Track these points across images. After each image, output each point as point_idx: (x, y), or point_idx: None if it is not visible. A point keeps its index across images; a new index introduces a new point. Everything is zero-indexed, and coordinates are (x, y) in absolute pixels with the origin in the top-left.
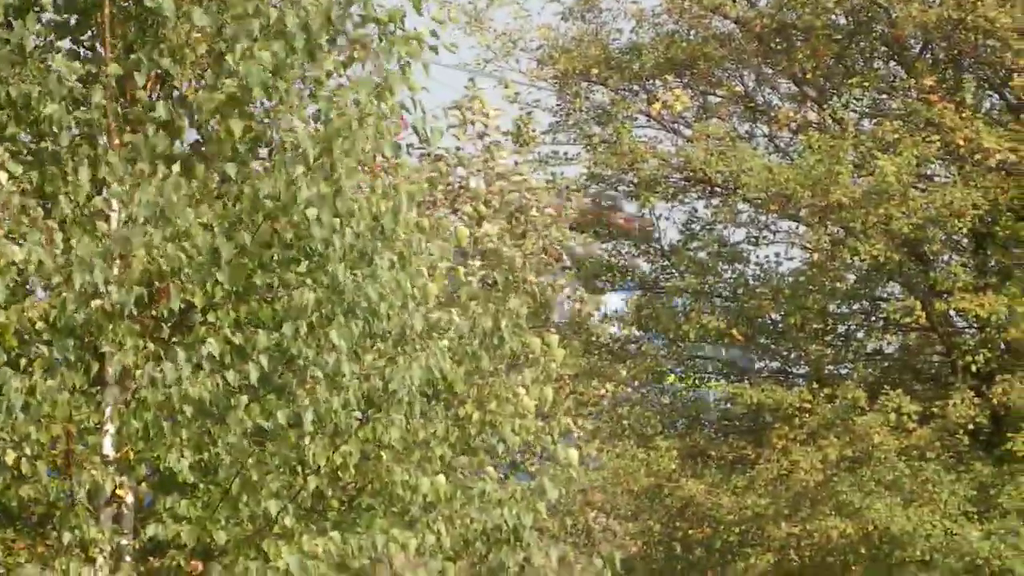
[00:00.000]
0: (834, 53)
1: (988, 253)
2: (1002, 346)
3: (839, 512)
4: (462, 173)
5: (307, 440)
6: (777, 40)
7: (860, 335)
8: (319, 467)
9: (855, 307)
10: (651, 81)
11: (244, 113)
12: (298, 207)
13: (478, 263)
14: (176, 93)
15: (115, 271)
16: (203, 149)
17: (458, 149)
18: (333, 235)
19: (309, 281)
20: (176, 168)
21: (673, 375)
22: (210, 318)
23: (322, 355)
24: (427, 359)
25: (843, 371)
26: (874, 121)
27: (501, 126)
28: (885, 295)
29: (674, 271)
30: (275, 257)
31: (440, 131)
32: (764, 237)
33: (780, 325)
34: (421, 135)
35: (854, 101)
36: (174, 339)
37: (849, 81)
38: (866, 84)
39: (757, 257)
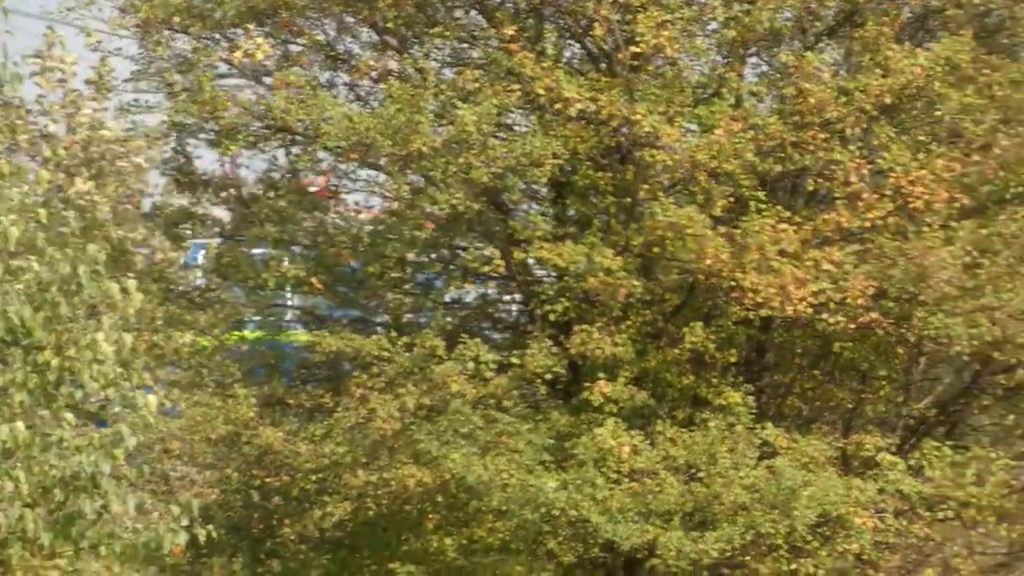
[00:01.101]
0: (415, 2)
1: (567, 202)
2: (580, 295)
3: (416, 461)
4: (44, 121)
5: None
6: None
7: (439, 284)
8: None
9: (434, 256)
10: (232, 30)
11: None
12: None
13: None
14: None
15: None
16: None
17: (41, 97)
18: None
19: None
20: None
21: (252, 324)
22: None
23: None
24: (4, 304)
25: (422, 320)
26: (455, 71)
27: (82, 74)
28: (465, 244)
29: (254, 220)
30: None
31: (19, 77)
32: (344, 185)
33: (359, 274)
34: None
35: (435, 50)
36: None
37: (430, 31)
38: (447, 34)
39: (337, 205)
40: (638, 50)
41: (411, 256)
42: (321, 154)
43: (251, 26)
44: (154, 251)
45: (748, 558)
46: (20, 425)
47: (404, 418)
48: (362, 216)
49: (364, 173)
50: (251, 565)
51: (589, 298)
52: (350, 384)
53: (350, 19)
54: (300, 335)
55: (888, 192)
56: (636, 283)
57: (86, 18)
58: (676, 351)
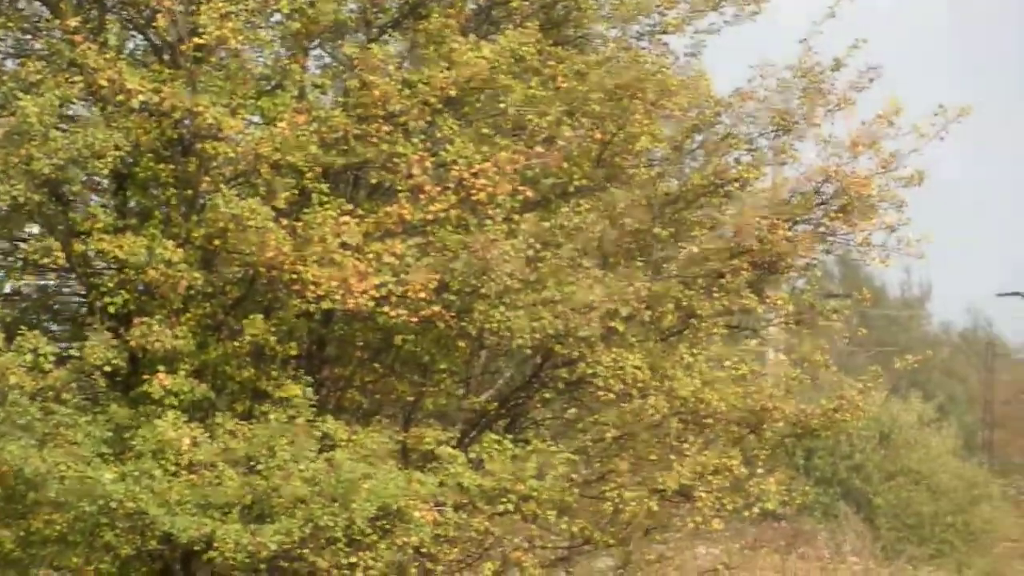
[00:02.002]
0: None
1: (128, 194)
2: (140, 287)
3: None
4: None
5: None
6: None
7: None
8: None
9: None
10: None
11: None
12: None
13: None
14: None
15: None
16: None
17: None
18: None
19: None
20: None
21: None
22: None
23: None
24: None
25: None
26: (18, 61)
27: None
28: (25, 235)
29: None
30: None
31: None
32: None
33: None
34: None
35: None
36: None
37: None
38: (10, 24)
39: None
40: (201, 42)
41: None
42: None
43: None
44: None
45: (307, 551)
46: None
47: None
48: None
49: None
50: None
51: (149, 290)
52: None
53: None
54: None
55: (451, 185)
56: (197, 275)
57: None
58: (236, 344)
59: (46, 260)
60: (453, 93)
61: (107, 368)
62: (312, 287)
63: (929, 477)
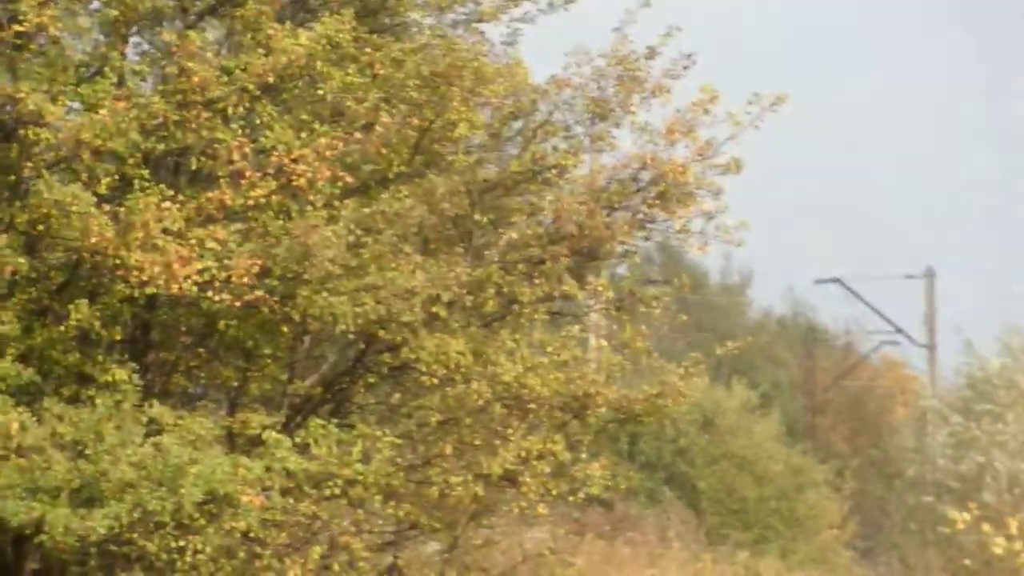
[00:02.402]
0: None
1: None
2: None
3: None
4: None
5: None
6: None
7: None
8: None
9: None
10: None
11: None
12: None
13: None
14: None
15: None
16: None
17: None
18: None
19: None
20: None
21: None
22: None
23: None
24: None
25: None
26: None
27: None
28: None
29: None
30: None
31: None
32: None
33: None
34: None
35: None
36: None
37: None
38: None
39: None
40: (21, 28)
41: None
42: None
43: None
44: None
45: (136, 535)
46: None
47: None
48: None
49: None
50: None
51: None
52: None
53: None
54: None
55: (271, 171)
56: (21, 260)
57: None
58: (62, 329)
59: None
60: (271, 80)
61: None
62: (136, 272)
63: (753, 463)
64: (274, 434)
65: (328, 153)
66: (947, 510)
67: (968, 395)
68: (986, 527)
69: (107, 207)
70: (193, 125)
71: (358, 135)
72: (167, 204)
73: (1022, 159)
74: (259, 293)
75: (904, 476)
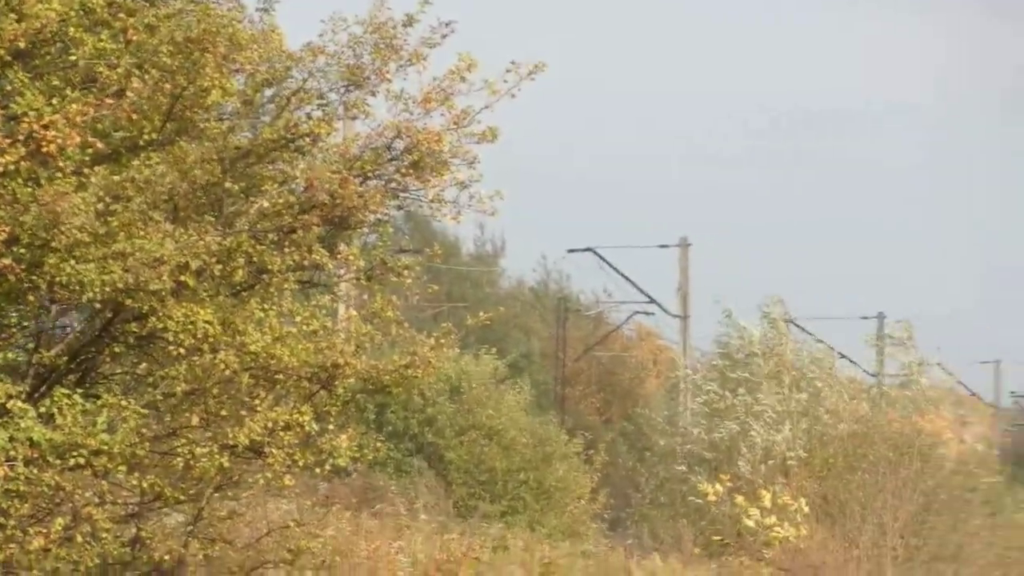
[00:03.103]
0: None
1: None
2: None
3: None
4: None
5: None
6: None
7: None
8: None
9: None
10: None
11: None
12: None
13: None
14: None
15: None
16: None
17: None
18: None
19: None
20: None
21: None
22: None
23: None
24: None
25: None
26: None
27: None
28: None
29: None
30: None
31: None
32: None
33: None
34: None
35: None
36: None
37: None
38: None
39: None
40: None
41: None
42: None
43: None
44: None
45: None
46: None
47: None
48: None
49: None
50: None
51: None
52: None
53: None
54: None
55: (21, 137)
56: None
57: None
58: None
59: None
60: (22, 45)
61: None
62: None
63: (501, 433)
64: (19, 403)
65: (79, 119)
66: (699, 481)
67: (724, 364)
68: (740, 499)
69: None
70: None
71: (109, 101)
72: None
73: None
74: (6, 261)
75: (655, 447)
